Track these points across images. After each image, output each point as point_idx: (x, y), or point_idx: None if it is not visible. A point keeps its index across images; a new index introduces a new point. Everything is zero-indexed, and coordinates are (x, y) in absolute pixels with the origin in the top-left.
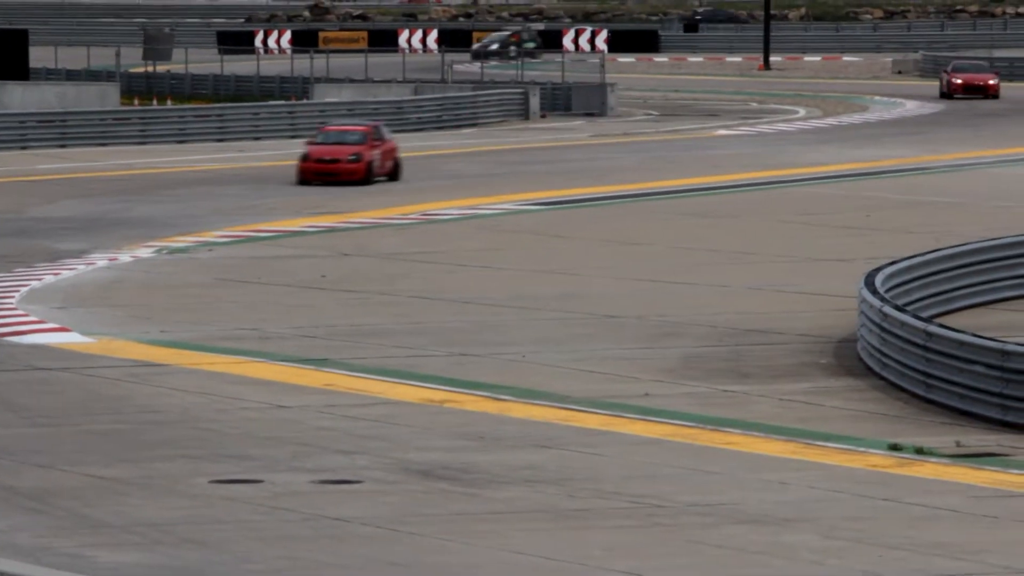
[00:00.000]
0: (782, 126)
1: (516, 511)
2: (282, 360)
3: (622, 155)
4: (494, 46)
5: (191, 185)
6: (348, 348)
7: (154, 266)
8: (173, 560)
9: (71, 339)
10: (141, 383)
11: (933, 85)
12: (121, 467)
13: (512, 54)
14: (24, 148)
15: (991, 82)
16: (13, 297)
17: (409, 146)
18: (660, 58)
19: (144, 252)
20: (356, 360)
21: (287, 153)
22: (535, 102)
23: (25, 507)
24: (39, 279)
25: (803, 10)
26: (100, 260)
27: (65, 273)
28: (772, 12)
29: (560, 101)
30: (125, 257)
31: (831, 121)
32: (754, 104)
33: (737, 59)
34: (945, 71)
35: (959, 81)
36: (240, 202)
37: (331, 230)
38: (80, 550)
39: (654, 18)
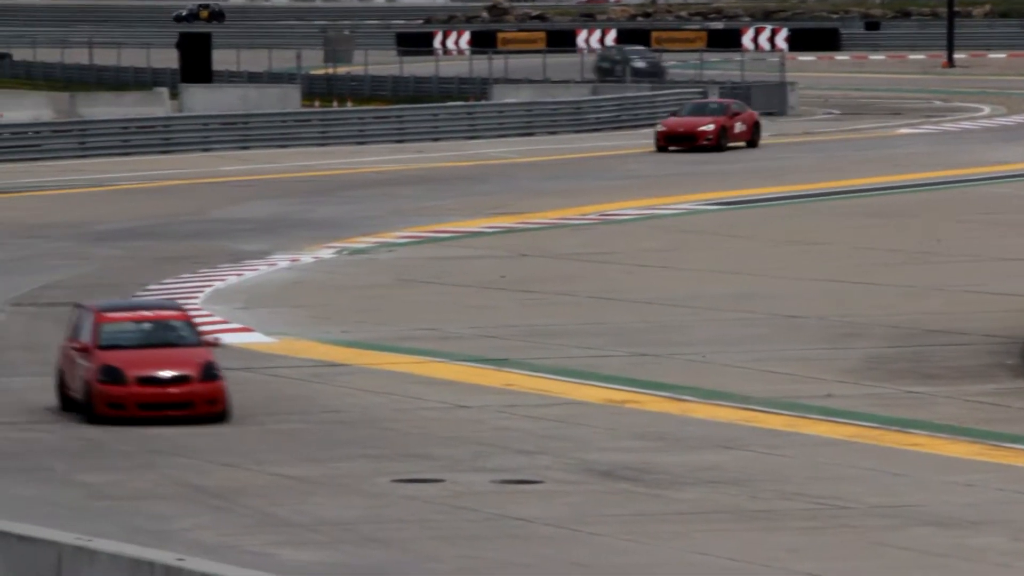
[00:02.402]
0: (966, 124)
1: (699, 512)
2: (462, 360)
3: (801, 154)
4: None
5: (370, 186)
6: (527, 348)
7: (335, 267)
8: (356, 559)
9: (254, 339)
10: (323, 383)
11: None
12: (305, 466)
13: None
14: (207, 150)
15: (702, 128)
16: (198, 297)
17: (588, 146)
18: (841, 56)
19: (325, 253)
20: (536, 360)
21: (466, 154)
22: None
23: (211, 505)
24: (222, 280)
25: (988, 7)
26: (282, 261)
27: (248, 274)
28: (956, 9)
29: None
30: (306, 258)
31: (1016, 119)
32: (938, 102)
33: (920, 57)
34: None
35: (662, 129)
36: (419, 203)
37: (509, 231)
38: (265, 548)
39: (835, 16)
